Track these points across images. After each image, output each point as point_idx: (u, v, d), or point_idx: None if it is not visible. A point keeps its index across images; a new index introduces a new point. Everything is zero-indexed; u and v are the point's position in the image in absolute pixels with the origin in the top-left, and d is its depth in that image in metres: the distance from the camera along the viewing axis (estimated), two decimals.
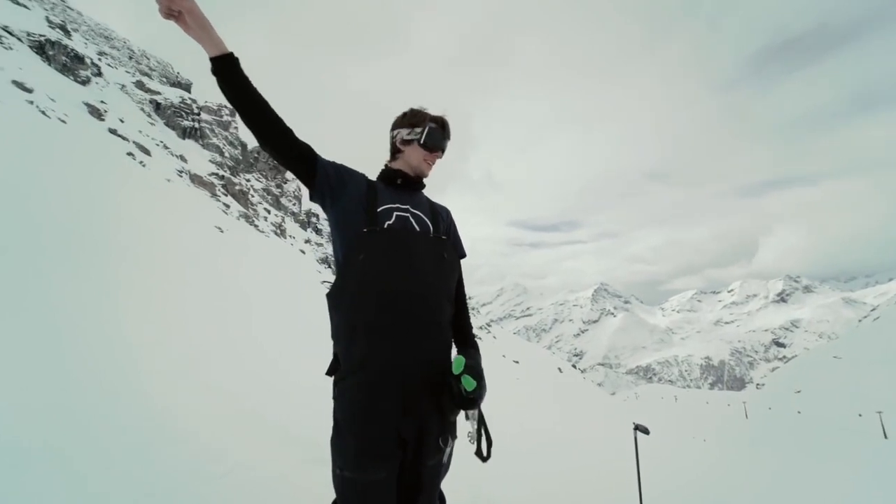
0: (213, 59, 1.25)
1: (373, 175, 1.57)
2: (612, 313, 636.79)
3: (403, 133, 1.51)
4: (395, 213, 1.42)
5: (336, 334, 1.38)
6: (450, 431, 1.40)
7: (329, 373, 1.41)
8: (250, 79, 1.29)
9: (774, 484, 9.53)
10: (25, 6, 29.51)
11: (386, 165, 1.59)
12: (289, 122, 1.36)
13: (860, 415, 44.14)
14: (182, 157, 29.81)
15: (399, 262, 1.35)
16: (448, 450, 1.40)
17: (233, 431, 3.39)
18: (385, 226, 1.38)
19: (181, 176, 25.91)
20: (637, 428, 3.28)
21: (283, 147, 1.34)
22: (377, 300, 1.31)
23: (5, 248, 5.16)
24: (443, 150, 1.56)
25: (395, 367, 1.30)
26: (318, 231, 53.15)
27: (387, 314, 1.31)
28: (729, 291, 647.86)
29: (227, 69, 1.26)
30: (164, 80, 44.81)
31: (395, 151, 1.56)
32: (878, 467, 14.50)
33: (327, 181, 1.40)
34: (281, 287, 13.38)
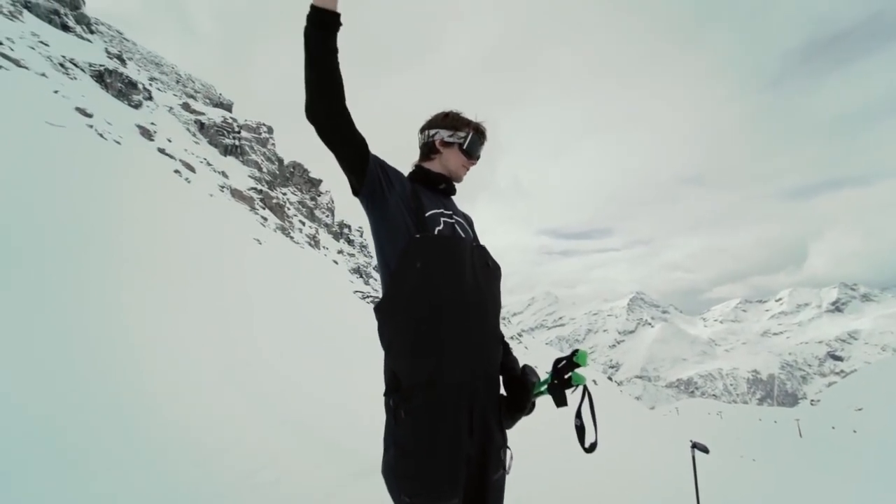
0: (315, 9, 1.12)
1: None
2: (650, 323, 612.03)
3: (444, 135, 1.46)
4: (442, 219, 1.37)
5: (392, 349, 1.28)
6: (506, 441, 1.36)
7: (389, 392, 1.28)
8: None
9: None
10: (89, 40, 32.26)
11: (419, 166, 1.51)
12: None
13: None
14: (224, 174, 31.39)
15: (458, 271, 1.28)
16: (508, 461, 1.35)
17: (241, 435, 3.34)
18: (436, 232, 1.32)
19: (223, 191, 27.25)
20: (695, 446, 3.00)
21: (344, 129, 1.22)
22: (440, 311, 1.23)
23: (67, 251, 5.54)
24: (479, 158, 1.54)
25: (465, 382, 1.23)
26: (350, 242, 54.38)
27: (451, 326, 1.23)
28: (777, 300, 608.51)
29: (328, 26, 1.13)
30: (208, 101, 47.63)
31: (431, 151, 1.49)
32: None
33: (378, 176, 1.32)
34: (314, 294, 13.71)
